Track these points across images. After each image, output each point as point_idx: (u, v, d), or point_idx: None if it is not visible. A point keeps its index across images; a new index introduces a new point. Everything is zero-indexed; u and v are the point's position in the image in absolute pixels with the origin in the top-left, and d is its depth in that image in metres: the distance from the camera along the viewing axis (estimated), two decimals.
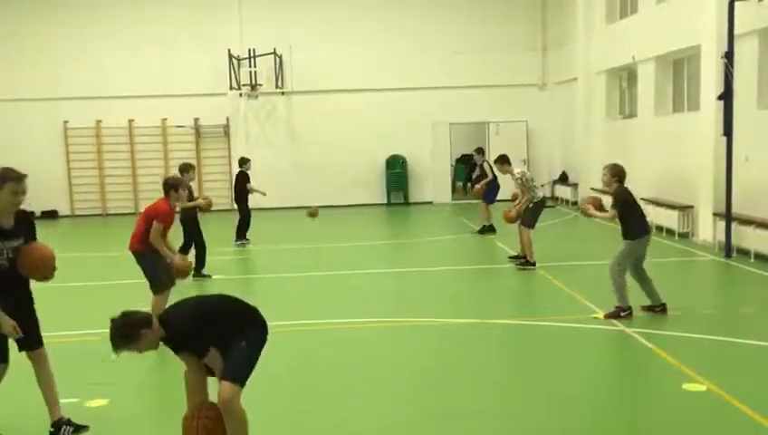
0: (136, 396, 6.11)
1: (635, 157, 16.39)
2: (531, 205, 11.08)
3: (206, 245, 11.29)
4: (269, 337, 4.67)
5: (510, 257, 11.64)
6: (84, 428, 5.34)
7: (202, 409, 4.51)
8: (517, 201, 11.39)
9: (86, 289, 10.62)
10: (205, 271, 11.15)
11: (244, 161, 14.62)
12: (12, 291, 4.95)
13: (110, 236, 17.70)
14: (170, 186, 7.96)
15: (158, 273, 7.73)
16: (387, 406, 5.77)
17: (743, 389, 5.65)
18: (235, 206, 14.75)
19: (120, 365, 6.90)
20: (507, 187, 13.40)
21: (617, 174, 8.00)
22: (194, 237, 11.10)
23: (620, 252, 7.91)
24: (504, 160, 11.80)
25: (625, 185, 8.04)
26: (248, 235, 14.47)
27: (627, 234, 7.92)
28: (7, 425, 5.55)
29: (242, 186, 14.36)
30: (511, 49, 21.71)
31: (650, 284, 8.12)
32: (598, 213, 8.21)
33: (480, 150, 15.47)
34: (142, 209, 8.48)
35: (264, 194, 14.69)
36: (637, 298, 8.12)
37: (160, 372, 7.02)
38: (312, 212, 15.04)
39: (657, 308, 8.11)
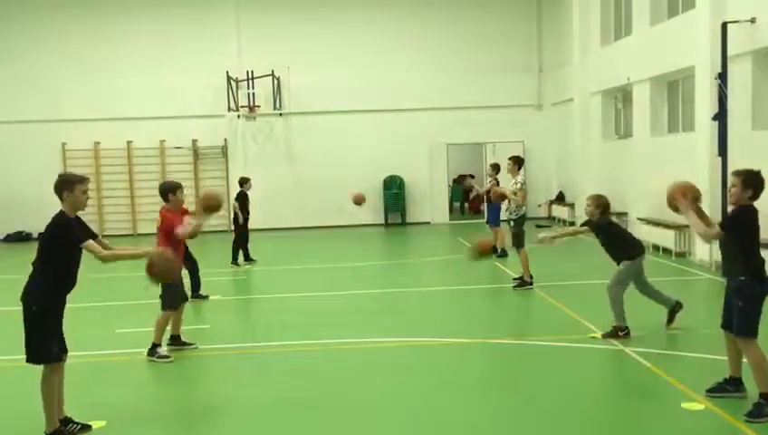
0: (134, 418, 6.10)
1: (631, 177, 16.51)
2: (512, 223, 11.18)
3: (198, 264, 10.98)
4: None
5: (513, 279, 11.57)
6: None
7: None
8: (491, 192, 12.56)
9: (83, 311, 10.61)
10: (202, 292, 11.09)
11: (244, 181, 14.63)
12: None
13: None
14: (167, 190, 7.98)
15: (171, 292, 7.78)
16: (382, 425, 5.77)
17: (741, 408, 5.65)
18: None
19: (120, 387, 6.91)
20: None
21: (600, 205, 8.10)
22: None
23: (619, 271, 7.97)
24: (518, 162, 11.56)
25: (610, 215, 8.27)
26: (241, 255, 14.52)
27: (619, 259, 8.01)
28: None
29: (241, 205, 14.29)
30: (507, 70, 21.90)
31: (659, 293, 8.22)
32: (567, 232, 8.75)
33: (496, 167, 14.43)
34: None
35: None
36: (644, 318, 8.15)
37: (159, 395, 7.02)
38: (358, 199, 12.75)
39: (677, 309, 8.23)
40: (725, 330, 5.92)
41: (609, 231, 8.12)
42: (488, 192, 13.92)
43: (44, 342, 5.39)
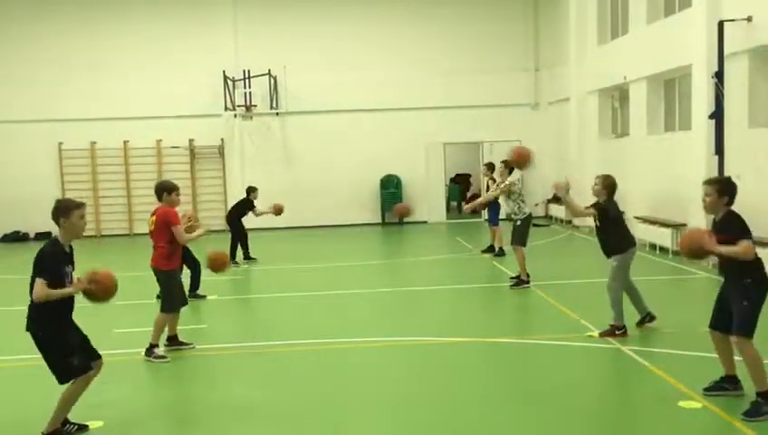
0: (132, 419, 6.09)
1: (628, 175, 16.47)
2: (518, 222, 11.18)
3: (199, 264, 11.02)
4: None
5: (511, 278, 11.59)
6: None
7: None
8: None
9: (81, 311, 10.57)
10: (200, 291, 11.10)
11: (251, 190, 14.97)
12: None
13: (104, 259, 17.66)
14: (163, 189, 7.94)
15: (174, 293, 7.78)
16: (380, 425, 5.77)
17: (739, 406, 5.66)
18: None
19: (118, 388, 6.89)
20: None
21: (608, 186, 7.98)
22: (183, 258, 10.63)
23: (615, 268, 7.95)
24: (510, 166, 11.65)
25: (615, 200, 8.05)
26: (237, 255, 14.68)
27: (614, 250, 7.96)
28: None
29: (239, 210, 14.66)
30: (504, 69, 21.91)
31: (638, 294, 8.21)
32: (574, 204, 8.13)
33: (491, 166, 14.80)
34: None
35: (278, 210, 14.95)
36: (632, 316, 8.16)
37: (157, 396, 7.01)
38: (402, 212, 13.56)
39: (646, 319, 8.21)
40: (714, 330, 5.95)
41: (613, 218, 7.99)
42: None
43: (62, 360, 5.36)
